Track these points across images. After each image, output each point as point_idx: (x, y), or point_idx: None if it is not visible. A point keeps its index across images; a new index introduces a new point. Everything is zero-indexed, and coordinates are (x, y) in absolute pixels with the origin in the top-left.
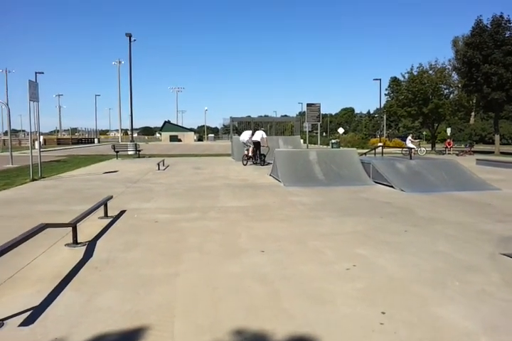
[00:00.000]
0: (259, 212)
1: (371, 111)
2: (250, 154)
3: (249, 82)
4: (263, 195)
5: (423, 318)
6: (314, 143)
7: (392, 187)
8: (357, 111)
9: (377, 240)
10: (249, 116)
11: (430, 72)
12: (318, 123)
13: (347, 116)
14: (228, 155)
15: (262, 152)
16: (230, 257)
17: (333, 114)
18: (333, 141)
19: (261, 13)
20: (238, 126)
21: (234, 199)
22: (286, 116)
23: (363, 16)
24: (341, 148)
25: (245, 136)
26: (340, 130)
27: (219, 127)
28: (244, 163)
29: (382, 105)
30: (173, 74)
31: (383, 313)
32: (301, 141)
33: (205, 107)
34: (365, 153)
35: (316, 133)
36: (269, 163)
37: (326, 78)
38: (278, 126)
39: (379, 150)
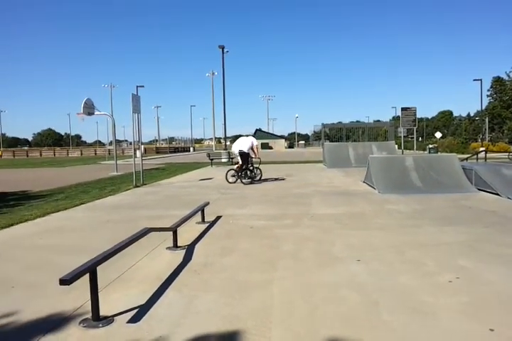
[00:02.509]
0: (353, 219)
1: (471, 114)
2: (238, 168)
3: (340, 88)
4: (357, 203)
5: None
6: (409, 149)
7: (497, 194)
8: (455, 113)
9: (482, 252)
10: (341, 122)
11: None
12: (414, 128)
13: (444, 119)
14: (320, 161)
15: (250, 164)
16: (325, 265)
17: (430, 117)
18: (430, 146)
19: (351, 21)
20: (329, 132)
21: (327, 207)
22: (379, 121)
23: (459, 12)
24: (439, 153)
25: (239, 145)
26: (438, 134)
27: (309, 134)
28: (230, 179)
29: (483, 107)
30: (265, 83)
31: (492, 330)
32: (396, 146)
33: (296, 114)
34: (466, 159)
35: (412, 138)
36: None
37: (421, 80)
38: (370, 132)
39: (481, 155)
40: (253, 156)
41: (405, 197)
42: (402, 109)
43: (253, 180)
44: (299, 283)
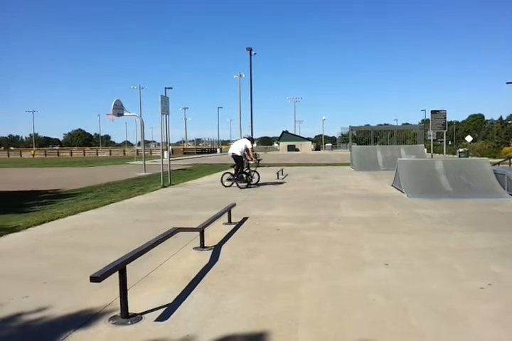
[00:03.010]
0: (381, 223)
1: (503, 117)
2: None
3: (368, 90)
4: (385, 206)
5: None
6: (439, 153)
7: None
8: (487, 117)
9: None
10: (368, 125)
11: None
12: (444, 131)
13: (475, 123)
14: (347, 164)
15: (245, 167)
16: (352, 269)
17: (460, 121)
18: (460, 149)
19: (379, 22)
20: (357, 135)
21: (355, 210)
22: (407, 124)
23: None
24: (470, 157)
25: (232, 148)
26: (468, 138)
27: (336, 136)
28: (226, 183)
29: None
30: (292, 84)
31: None
32: (425, 150)
33: (323, 116)
34: (498, 163)
35: (441, 141)
36: (255, 183)
37: (452, 83)
38: (399, 135)
39: None
40: (249, 159)
41: (434, 202)
42: (432, 111)
43: (249, 184)
44: (326, 286)
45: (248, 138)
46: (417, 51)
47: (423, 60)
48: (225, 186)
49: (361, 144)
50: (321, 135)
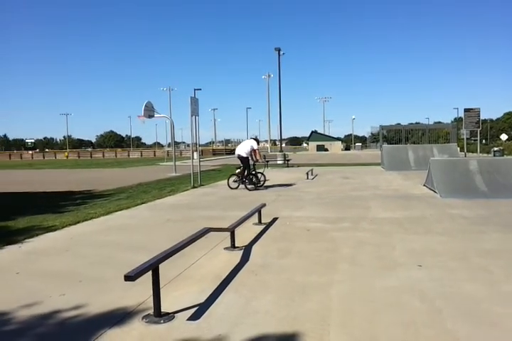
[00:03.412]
0: (414, 224)
1: None
2: (240, 173)
3: (398, 89)
4: (417, 206)
5: None
6: (472, 152)
7: None
8: None
9: None
10: (399, 124)
11: None
12: (478, 130)
13: (511, 121)
14: (377, 164)
15: (252, 169)
16: (384, 270)
17: (494, 119)
18: (495, 148)
19: (404, 22)
20: (387, 134)
21: (386, 210)
22: (439, 122)
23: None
24: (505, 156)
25: (238, 149)
26: (503, 136)
27: (366, 136)
28: (232, 185)
29: None
30: (321, 84)
31: None
32: (458, 149)
33: (353, 116)
34: None
35: (475, 140)
36: (261, 184)
37: (485, 81)
38: (431, 134)
39: None
40: (258, 159)
41: (469, 202)
42: (465, 110)
43: (256, 186)
44: (358, 287)
45: (254, 139)
46: (448, 48)
47: (456, 59)
48: (232, 188)
49: (392, 143)
50: (350, 134)
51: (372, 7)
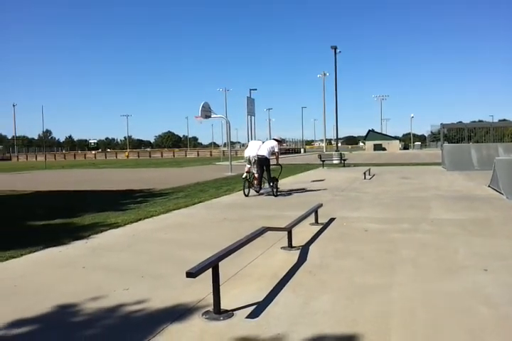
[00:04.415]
0: (478, 226)
1: None
2: (256, 176)
3: (459, 86)
4: (482, 208)
5: None
6: None
7: None
8: None
9: None
10: (461, 122)
11: None
12: None
13: None
14: (438, 164)
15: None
16: (447, 273)
17: None
18: None
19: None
20: (448, 133)
21: (448, 212)
22: (505, 120)
23: None
24: None
25: (252, 149)
26: None
27: (426, 134)
28: (246, 191)
29: None
30: (378, 82)
31: None
32: None
33: (411, 114)
34: None
35: None
36: (276, 190)
37: None
38: (496, 132)
39: None
40: (277, 163)
41: None
42: None
43: (275, 191)
44: (419, 290)
45: (276, 140)
46: (509, 42)
47: None
48: (246, 195)
49: (453, 142)
50: (409, 133)
51: (434, 7)
